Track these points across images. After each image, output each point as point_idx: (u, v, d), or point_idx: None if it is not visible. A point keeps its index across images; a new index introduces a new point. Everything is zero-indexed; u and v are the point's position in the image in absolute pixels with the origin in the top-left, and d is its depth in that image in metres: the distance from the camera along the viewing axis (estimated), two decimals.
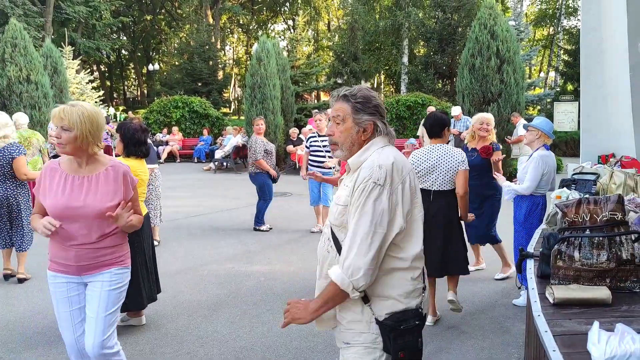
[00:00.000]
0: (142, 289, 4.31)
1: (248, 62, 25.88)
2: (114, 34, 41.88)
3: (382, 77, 39.16)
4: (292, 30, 42.07)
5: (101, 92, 25.25)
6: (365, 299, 2.02)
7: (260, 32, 44.30)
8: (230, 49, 49.73)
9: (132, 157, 4.29)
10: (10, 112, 14.71)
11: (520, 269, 2.88)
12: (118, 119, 26.92)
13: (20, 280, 5.78)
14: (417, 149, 4.82)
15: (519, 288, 5.01)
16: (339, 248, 2.06)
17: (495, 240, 5.71)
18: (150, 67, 38.08)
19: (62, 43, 24.12)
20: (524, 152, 10.91)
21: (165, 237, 7.68)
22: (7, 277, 5.86)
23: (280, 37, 45.09)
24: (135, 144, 4.27)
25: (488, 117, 5.58)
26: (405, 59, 27.56)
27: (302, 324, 2.06)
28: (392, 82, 37.73)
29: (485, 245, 5.98)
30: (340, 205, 2.07)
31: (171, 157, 19.46)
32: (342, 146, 2.12)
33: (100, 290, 2.87)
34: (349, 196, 2.02)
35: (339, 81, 25.63)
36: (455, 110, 12.65)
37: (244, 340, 4.27)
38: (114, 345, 2.96)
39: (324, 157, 7.72)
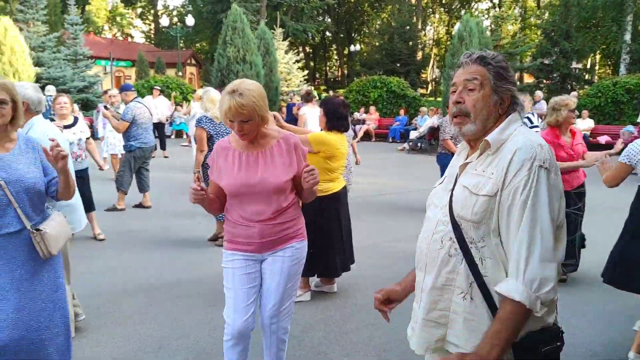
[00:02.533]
0: (337, 258, 4.50)
1: (448, 43, 25.27)
2: (320, 16, 44.00)
3: (598, 57, 35.49)
4: (497, 8, 40.07)
5: (305, 72, 26.76)
6: None
7: (462, 11, 42.99)
8: (430, 29, 49.15)
9: (334, 131, 4.35)
10: None
11: None
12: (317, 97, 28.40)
13: None
14: (637, 137, 4.11)
15: None
16: (465, 250, 1.67)
17: None
18: (352, 47, 39.31)
19: (273, 26, 26.05)
20: None
21: (357, 213, 7.89)
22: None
23: (483, 15, 43.28)
24: (338, 118, 4.37)
25: None
26: (627, 37, 24.57)
27: None
28: (609, 62, 34.09)
29: None
30: (483, 195, 1.64)
31: (367, 136, 19.94)
32: (477, 118, 1.72)
33: (282, 265, 2.84)
34: (499, 182, 1.62)
35: (546, 61, 23.85)
36: None
37: None
38: (286, 322, 2.97)
39: None
